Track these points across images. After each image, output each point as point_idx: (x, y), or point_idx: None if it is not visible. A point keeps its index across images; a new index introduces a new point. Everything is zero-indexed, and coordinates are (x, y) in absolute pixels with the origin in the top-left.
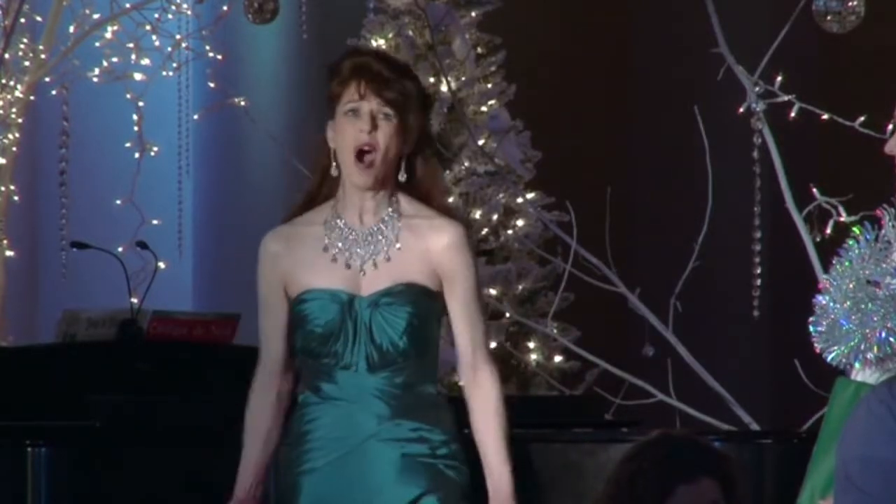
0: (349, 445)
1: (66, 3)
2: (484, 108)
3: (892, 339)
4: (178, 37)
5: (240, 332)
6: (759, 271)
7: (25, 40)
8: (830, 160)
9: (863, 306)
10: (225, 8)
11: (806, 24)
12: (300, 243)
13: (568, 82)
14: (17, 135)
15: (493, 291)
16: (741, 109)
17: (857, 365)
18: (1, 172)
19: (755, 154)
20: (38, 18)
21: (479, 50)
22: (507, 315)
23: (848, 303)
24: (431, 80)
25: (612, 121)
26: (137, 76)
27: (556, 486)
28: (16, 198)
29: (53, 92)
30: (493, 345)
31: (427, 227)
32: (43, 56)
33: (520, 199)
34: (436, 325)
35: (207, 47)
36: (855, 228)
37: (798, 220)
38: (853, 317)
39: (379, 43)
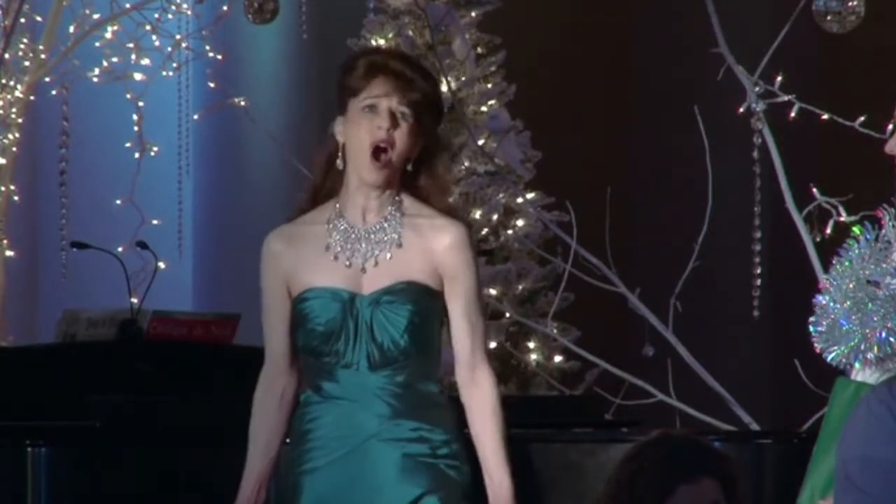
0: (350, 445)
1: (66, 3)
2: (484, 108)
3: (892, 339)
4: (178, 37)
5: (240, 332)
6: (759, 271)
7: (25, 40)
8: (830, 160)
9: (863, 306)
10: (225, 8)
11: (806, 24)
12: (302, 242)
13: (568, 82)
14: (17, 135)
15: (493, 291)
16: (741, 109)
17: (857, 365)
18: (1, 172)
19: (755, 154)
20: (38, 18)
21: (479, 50)
22: (507, 315)
23: (848, 303)
24: None
25: (612, 121)
26: (137, 76)
27: (556, 486)
28: (16, 198)
29: (53, 92)
30: (493, 345)
31: (429, 227)
32: (43, 56)
33: (520, 199)
34: (437, 324)
35: (207, 47)
36: (855, 228)
37: (798, 220)
38: (853, 317)
39: (379, 43)
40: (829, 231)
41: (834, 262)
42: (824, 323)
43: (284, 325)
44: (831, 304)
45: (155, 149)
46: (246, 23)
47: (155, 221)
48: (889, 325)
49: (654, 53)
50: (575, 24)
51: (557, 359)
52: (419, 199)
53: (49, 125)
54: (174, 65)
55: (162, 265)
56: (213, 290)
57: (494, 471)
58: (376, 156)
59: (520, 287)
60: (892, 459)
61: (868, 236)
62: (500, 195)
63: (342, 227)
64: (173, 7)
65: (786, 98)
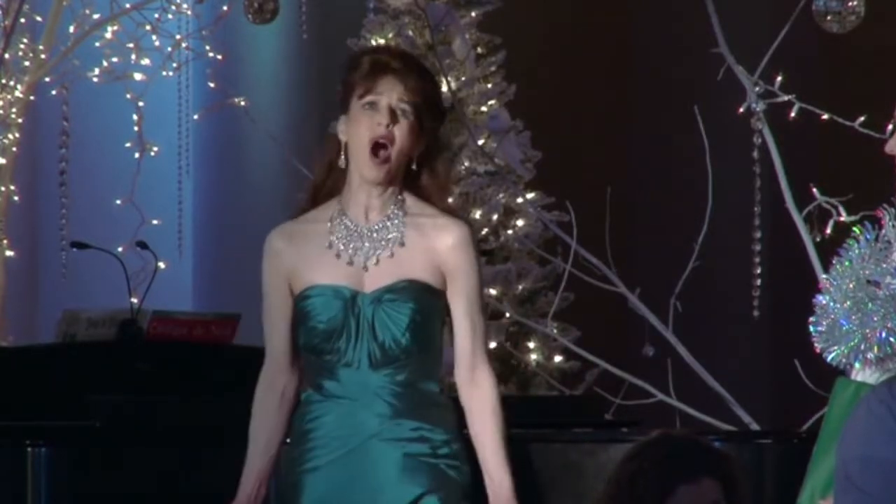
0: (351, 444)
1: (66, 3)
2: (484, 108)
3: (892, 339)
4: (178, 37)
5: (240, 332)
6: (759, 271)
7: (25, 40)
8: (830, 160)
9: (863, 306)
10: (225, 8)
11: (806, 24)
12: (304, 240)
13: (568, 82)
14: (17, 135)
15: (493, 291)
16: (741, 109)
17: (857, 365)
18: (1, 172)
19: (755, 154)
20: (38, 18)
21: (479, 50)
22: (507, 315)
23: (848, 303)
24: None
25: (612, 121)
26: (137, 76)
27: (556, 486)
28: (16, 198)
29: (53, 92)
30: (493, 345)
31: (431, 226)
32: (43, 56)
33: (520, 199)
34: (439, 323)
35: (207, 47)
36: (855, 228)
37: (798, 220)
38: (853, 317)
39: (379, 43)
40: (829, 231)
41: (834, 262)
42: (824, 323)
43: (286, 323)
44: (831, 303)
45: (155, 149)
46: (246, 23)
47: (155, 221)
48: (889, 325)
49: (654, 53)
50: (575, 24)
51: (557, 359)
52: (423, 198)
53: (49, 125)
54: (174, 65)
55: (162, 265)
56: (213, 290)
57: (494, 471)
58: (375, 152)
59: (520, 287)
60: (892, 459)
61: (868, 236)
62: (500, 195)
63: (345, 225)
64: (173, 7)
65: (786, 98)
